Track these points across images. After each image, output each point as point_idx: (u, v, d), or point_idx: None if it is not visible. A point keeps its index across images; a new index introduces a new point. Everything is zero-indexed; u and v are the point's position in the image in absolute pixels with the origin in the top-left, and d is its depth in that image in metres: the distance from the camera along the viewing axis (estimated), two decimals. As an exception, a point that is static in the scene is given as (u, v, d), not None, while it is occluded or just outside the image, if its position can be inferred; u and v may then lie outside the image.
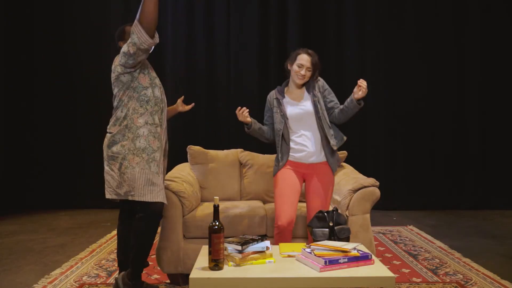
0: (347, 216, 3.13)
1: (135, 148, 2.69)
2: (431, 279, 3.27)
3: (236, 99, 6.00)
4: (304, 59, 3.00)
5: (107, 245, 4.16)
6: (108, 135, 2.78)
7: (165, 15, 6.01)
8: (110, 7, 6.02)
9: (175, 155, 5.71)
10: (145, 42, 2.58)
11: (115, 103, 2.80)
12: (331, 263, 2.17)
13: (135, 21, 2.59)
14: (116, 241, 3.03)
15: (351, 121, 5.91)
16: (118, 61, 2.74)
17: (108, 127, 2.81)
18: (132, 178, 2.68)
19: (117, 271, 3.09)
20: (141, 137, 2.70)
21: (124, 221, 2.95)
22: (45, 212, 5.64)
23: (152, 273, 3.38)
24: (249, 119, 3.07)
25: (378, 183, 3.21)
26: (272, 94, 3.20)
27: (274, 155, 3.83)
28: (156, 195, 2.72)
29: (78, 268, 3.52)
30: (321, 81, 3.11)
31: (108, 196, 2.81)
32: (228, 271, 2.18)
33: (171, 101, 3.09)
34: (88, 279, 3.28)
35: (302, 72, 3.00)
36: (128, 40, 2.63)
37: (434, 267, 3.52)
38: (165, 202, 2.80)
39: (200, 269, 2.20)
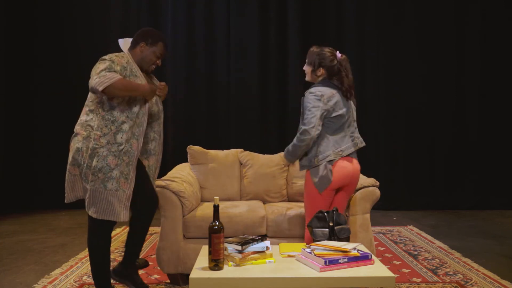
0: (347, 216, 3.13)
1: (91, 166, 2.63)
2: (431, 279, 3.27)
3: (236, 99, 6.01)
4: None
5: (107, 245, 4.15)
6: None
7: (165, 14, 6.02)
8: (110, 7, 6.03)
9: (175, 155, 5.74)
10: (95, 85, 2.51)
11: (86, 102, 2.73)
12: (331, 263, 2.17)
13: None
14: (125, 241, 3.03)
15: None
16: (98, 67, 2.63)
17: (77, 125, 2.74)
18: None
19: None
20: (100, 157, 2.62)
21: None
22: (45, 212, 5.64)
23: (152, 273, 3.38)
24: None
25: (378, 183, 3.21)
26: None
27: (274, 155, 3.84)
28: (104, 213, 2.66)
29: (78, 268, 3.52)
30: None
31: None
32: (228, 271, 2.18)
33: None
34: (88, 279, 3.28)
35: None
36: (95, 71, 2.56)
37: (434, 267, 3.52)
38: (114, 219, 2.68)
39: (200, 269, 2.20)
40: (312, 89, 2.80)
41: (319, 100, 2.73)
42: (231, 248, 2.29)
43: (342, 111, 2.78)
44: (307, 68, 2.91)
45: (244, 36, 5.98)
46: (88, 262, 3.62)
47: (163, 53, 2.81)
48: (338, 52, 2.87)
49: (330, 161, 2.77)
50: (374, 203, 3.19)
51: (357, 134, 2.89)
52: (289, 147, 2.88)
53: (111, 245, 4.14)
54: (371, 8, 5.97)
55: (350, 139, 2.84)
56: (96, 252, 2.73)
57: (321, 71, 2.84)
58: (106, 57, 2.66)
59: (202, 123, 6.04)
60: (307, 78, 2.93)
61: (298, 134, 2.81)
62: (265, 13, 5.98)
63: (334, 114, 2.76)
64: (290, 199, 3.72)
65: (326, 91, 2.77)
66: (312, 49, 2.89)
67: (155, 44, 2.77)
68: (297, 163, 3.00)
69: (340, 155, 2.78)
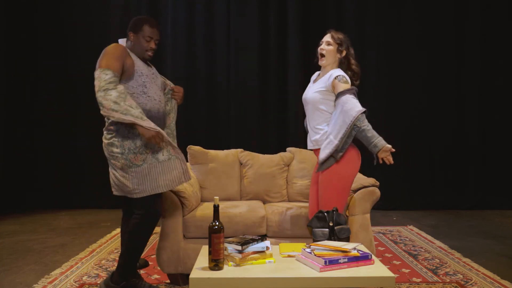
0: (347, 216, 3.13)
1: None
2: (431, 279, 3.27)
3: (236, 99, 6.01)
4: (325, 37, 2.97)
5: (107, 245, 4.15)
6: None
7: (165, 14, 6.02)
8: (110, 7, 6.03)
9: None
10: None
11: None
12: (331, 263, 2.17)
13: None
14: (120, 242, 3.01)
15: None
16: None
17: None
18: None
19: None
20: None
21: (127, 222, 2.94)
22: (45, 212, 5.64)
23: (152, 273, 3.38)
24: None
25: (378, 183, 3.21)
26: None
27: (274, 155, 3.84)
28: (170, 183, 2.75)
29: (78, 268, 3.52)
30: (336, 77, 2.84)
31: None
32: (228, 271, 2.18)
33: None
34: (88, 279, 3.28)
35: (321, 46, 2.94)
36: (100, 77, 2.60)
37: (434, 267, 3.52)
38: (178, 184, 2.79)
39: (200, 269, 2.20)
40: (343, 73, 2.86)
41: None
42: (231, 248, 2.29)
43: None
44: (332, 48, 2.91)
45: (244, 36, 5.98)
46: (88, 262, 3.63)
47: (153, 34, 2.81)
48: None
49: None
50: (374, 203, 3.19)
51: None
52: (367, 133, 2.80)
53: (113, 244, 4.18)
54: (371, 8, 5.97)
55: None
56: (139, 246, 2.76)
57: (344, 53, 2.92)
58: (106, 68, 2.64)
59: (202, 123, 6.04)
60: (325, 59, 2.92)
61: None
62: (265, 13, 5.98)
63: None
64: (290, 199, 3.72)
65: None
66: (338, 34, 2.94)
67: (140, 29, 2.79)
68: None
69: None
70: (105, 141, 2.75)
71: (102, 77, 2.59)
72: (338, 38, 2.92)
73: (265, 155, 3.86)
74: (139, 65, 2.77)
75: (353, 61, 2.95)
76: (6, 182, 5.89)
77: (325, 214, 2.66)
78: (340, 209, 2.74)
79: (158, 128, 2.62)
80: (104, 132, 2.78)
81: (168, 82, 3.05)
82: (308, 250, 2.29)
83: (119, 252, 3.00)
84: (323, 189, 2.83)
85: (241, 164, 3.81)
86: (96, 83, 2.59)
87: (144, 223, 2.73)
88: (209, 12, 6.01)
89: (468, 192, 5.95)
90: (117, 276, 2.77)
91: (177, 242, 3.09)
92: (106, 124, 2.76)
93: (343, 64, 2.94)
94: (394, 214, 5.60)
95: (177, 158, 2.73)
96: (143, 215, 2.71)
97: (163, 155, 2.69)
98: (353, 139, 2.81)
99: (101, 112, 2.59)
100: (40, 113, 6.03)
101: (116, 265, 3.53)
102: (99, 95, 2.57)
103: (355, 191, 3.16)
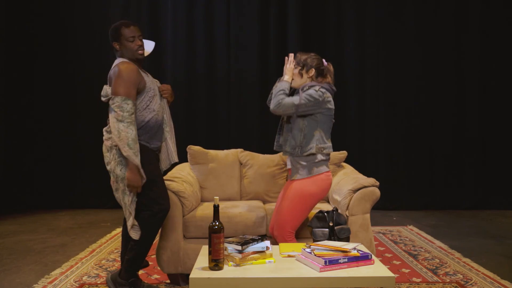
0: (347, 216, 3.13)
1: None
2: (431, 279, 3.27)
3: (236, 99, 6.01)
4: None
5: (107, 245, 4.15)
6: None
7: (165, 14, 6.01)
8: (110, 6, 6.02)
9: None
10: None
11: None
12: (331, 263, 2.17)
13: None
14: (121, 242, 3.02)
15: (351, 121, 5.99)
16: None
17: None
18: None
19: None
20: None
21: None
22: (45, 212, 5.63)
23: (152, 273, 3.38)
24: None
25: (378, 183, 3.21)
26: None
27: (274, 155, 3.84)
28: None
29: (78, 268, 3.52)
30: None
31: None
32: (228, 271, 2.18)
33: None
34: (88, 279, 3.28)
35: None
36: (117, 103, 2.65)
37: (434, 267, 3.52)
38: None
39: (200, 269, 2.20)
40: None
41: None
42: (231, 248, 2.29)
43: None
44: (296, 71, 2.95)
45: (244, 36, 5.97)
46: (88, 262, 3.63)
47: (133, 33, 2.80)
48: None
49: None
50: (374, 203, 3.18)
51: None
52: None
53: (113, 244, 4.18)
54: (371, 8, 5.96)
55: None
56: (148, 240, 2.81)
57: (312, 72, 2.91)
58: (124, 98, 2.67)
59: (202, 123, 6.03)
60: (296, 82, 3.02)
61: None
62: (265, 13, 5.97)
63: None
64: (290, 199, 3.71)
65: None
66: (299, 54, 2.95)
67: (120, 34, 2.79)
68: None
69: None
70: (105, 142, 2.78)
71: (125, 107, 2.64)
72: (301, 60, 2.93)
73: (265, 155, 3.87)
74: (147, 80, 2.81)
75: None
76: (6, 182, 5.89)
77: (325, 214, 2.66)
78: (291, 227, 2.79)
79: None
80: (104, 133, 2.79)
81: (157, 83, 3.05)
82: (308, 250, 2.29)
83: (119, 252, 3.00)
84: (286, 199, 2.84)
85: (241, 164, 3.81)
86: (119, 112, 2.62)
87: (154, 217, 2.77)
88: (209, 12, 6.01)
89: (468, 192, 5.95)
90: (124, 272, 2.78)
91: (177, 242, 3.09)
92: (108, 124, 2.78)
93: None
94: (394, 214, 5.60)
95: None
96: (153, 210, 2.76)
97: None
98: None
99: (113, 137, 2.66)
100: (40, 113, 6.03)
101: (116, 264, 3.54)
102: (122, 125, 2.62)
103: (355, 191, 3.16)
